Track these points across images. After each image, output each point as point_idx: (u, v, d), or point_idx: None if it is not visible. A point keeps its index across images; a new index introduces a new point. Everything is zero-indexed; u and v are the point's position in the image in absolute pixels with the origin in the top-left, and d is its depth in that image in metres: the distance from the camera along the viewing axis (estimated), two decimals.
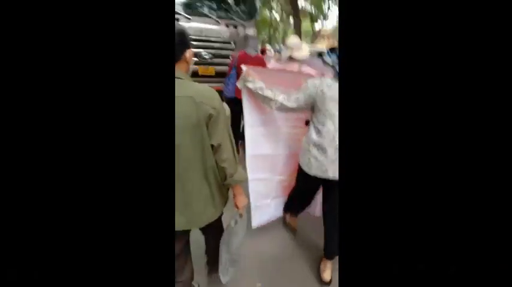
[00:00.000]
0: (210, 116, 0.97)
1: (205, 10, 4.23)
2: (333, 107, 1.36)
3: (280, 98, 1.48)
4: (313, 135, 1.44)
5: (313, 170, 1.46)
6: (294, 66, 2.21)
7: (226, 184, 1.11)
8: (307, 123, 1.59)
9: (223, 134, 1.03)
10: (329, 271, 1.63)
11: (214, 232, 1.27)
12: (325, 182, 1.51)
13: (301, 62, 2.25)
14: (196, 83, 1.00)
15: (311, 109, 1.48)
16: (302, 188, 1.70)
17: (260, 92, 1.52)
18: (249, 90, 1.57)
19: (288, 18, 20.58)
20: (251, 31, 4.70)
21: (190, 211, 1.05)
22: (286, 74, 1.80)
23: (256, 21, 5.08)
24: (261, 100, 1.56)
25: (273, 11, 19.42)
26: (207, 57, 4.16)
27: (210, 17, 4.26)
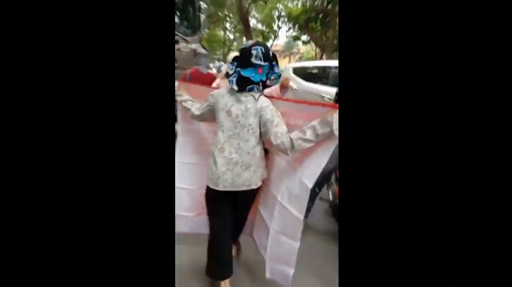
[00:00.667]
0: None
1: None
2: (222, 117, 1.36)
3: (193, 108, 1.57)
4: (212, 146, 1.43)
5: (208, 181, 1.43)
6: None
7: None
8: None
9: None
10: None
11: None
12: (225, 197, 1.44)
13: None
14: None
15: None
16: (211, 206, 1.54)
17: (184, 104, 1.64)
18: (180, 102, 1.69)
19: (242, 37, 20.98)
20: (196, 47, 4.25)
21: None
22: (209, 89, 1.84)
23: (202, 36, 4.69)
24: (186, 110, 1.65)
25: (227, 31, 19.63)
26: None
27: None
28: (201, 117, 1.53)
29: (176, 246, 0.78)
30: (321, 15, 12.09)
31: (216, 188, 1.38)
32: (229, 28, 19.63)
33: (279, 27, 17.77)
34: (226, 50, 19.24)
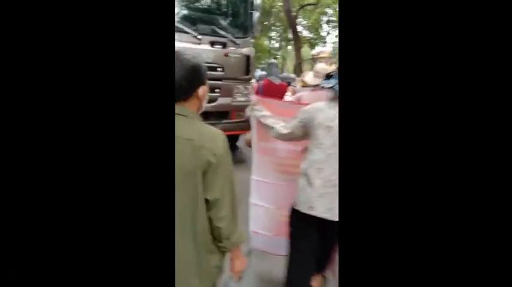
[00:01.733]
0: (208, 164, 0.81)
1: (181, 23, 2.95)
2: (321, 134, 1.26)
3: (278, 126, 1.46)
4: (303, 165, 1.36)
5: (299, 205, 1.33)
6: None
7: (222, 247, 0.92)
8: None
9: (222, 187, 0.85)
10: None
11: None
12: (318, 223, 1.31)
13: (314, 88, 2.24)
14: (204, 124, 0.88)
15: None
16: (296, 234, 1.44)
17: (263, 121, 1.53)
18: (257, 119, 1.60)
19: (287, 46, 20.19)
20: (248, 51, 3.35)
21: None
22: (292, 105, 1.85)
23: (254, 39, 3.83)
24: (265, 128, 1.55)
25: (272, 40, 19.02)
26: None
27: (187, 33, 2.96)
28: (289, 136, 1.42)
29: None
30: None
31: (311, 213, 1.27)
32: (274, 37, 18.99)
33: (328, 33, 16.47)
34: (271, 58, 18.59)
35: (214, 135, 0.84)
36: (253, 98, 1.66)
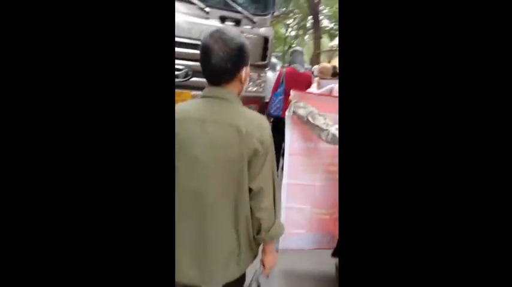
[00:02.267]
0: (255, 152, 0.80)
1: None
2: None
3: (333, 129, 1.36)
4: None
5: None
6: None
7: (258, 238, 0.91)
8: None
9: (267, 177, 0.84)
10: None
11: None
12: None
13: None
14: (247, 109, 0.85)
15: None
16: None
17: (311, 119, 1.42)
18: (295, 117, 1.52)
19: (304, 35, 19.22)
20: (267, 32, 2.73)
21: (206, 266, 0.85)
22: (332, 99, 1.61)
23: (274, 19, 3.20)
24: (310, 127, 1.47)
25: (289, 28, 18.04)
26: (178, 73, 2.23)
27: (191, 3, 2.36)
28: None
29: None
30: None
31: None
32: (291, 25, 17.99)
33: None
34: (286, 47, 17.67)
35: (261, 122, 0.82)
36: (292, 93, 1.51)
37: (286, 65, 4.35)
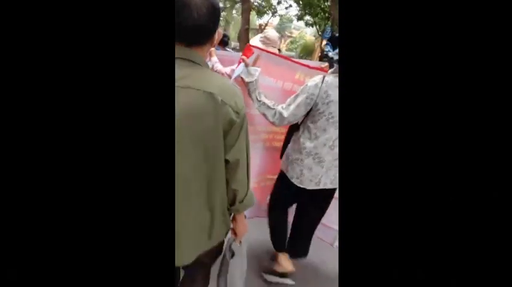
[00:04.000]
0: (230, 123, 0.75)
1: None
2: (335, 111, 1.23)
3: (279, 108, 1.30)
4: (307, 143, 1.31)
5: (305, 183, 1.36)
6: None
7: (232, 209, 0.91)
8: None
9: (242, 148, 0.82)
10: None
11: (208, 262, 1.01)
12: (308, 193, 1.41)
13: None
14: (218, 75, 0.80)
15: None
16: (282, 203, 1.58)
17: (254, 95, 1.34)
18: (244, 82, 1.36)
19: (232, 8, 18.42)
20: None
21: (178, 246, 0.78)
22: (295, 64, 1.52)
23: None
24: (251, 98, 1.36)
25: None
26: None
27: None
28: (294, 119, 1.30)
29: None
30: None
31: (315, 188, 1.35)
32: None
33: (279, 2, 15.27)
34: None
35: (235, 90, 0.77)
36: (252, 52, 1.38)
37: None
